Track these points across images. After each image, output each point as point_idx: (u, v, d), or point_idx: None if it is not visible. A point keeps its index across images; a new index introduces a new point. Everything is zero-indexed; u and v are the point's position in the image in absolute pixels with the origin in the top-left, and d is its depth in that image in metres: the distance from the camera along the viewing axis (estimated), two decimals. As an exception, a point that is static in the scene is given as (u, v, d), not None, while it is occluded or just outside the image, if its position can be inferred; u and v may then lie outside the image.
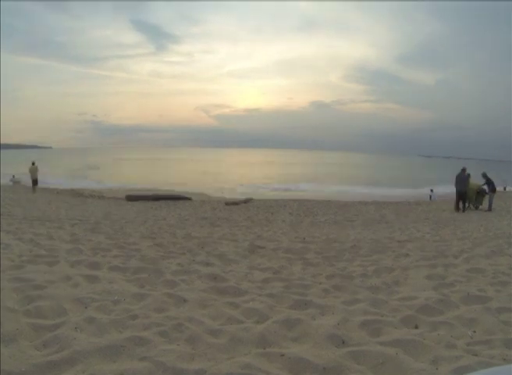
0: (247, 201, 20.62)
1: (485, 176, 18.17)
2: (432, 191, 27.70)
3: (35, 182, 23.94)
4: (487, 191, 18.22)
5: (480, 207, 18.52)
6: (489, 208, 17.67)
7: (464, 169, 17.82)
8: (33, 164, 24.02)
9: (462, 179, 17.51)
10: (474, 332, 3.41)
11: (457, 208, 17.83)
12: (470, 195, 18.67)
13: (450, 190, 21.01)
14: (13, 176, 30.99)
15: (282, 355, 2.89)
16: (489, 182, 17.98)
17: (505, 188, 31.94)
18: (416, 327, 3.58)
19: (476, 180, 18.80)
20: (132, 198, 20.98)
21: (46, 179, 30.42)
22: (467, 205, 18.66)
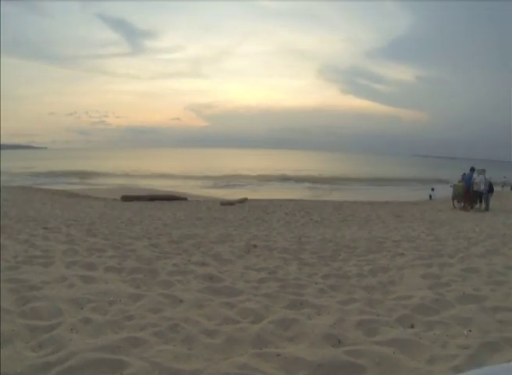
0: (242, 201, 20.59)
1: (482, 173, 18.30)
2: (432, 189, 27.52)
3: None
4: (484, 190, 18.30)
5: (476, 206, 18.60)
6: (486, 208, 17.74)
7: (472, 169, 18.19)
8: None
9: (468, 178, 17.94)
10: (470, 331, 3.43)
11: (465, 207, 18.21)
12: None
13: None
14: None
15: (279, 355, 2.89)
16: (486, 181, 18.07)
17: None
18: (412, 327, 3.59)
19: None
20: (127, 198, 20.92)
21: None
22: (462, 204, 18.75)
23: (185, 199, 21.94)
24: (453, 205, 19.35)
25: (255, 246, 7.55)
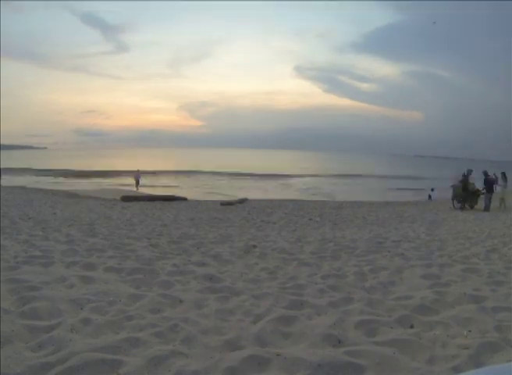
0: (242, 201, 20.60)
1: (485, 174, 18.40)
2: (432, 190, 27.53)
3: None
4: (482, 190, 18.36)
5: (476, 207, 18.62)
6: (486, 208, 17.75)
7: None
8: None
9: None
10: (470, 331, 3.42)
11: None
12: (466, 195, 18.81)
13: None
14: None
15: (279, 355, 2.89)
16: (486, 181, 18.14)
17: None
18: (412, 327, 3.59)
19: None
20: (127, 198, 20.92)
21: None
22: (461, 204, 18.80)
23: (185, 199, 21.93)
24: (453, 205, 19.37)
25: (255, 246, 7.55)
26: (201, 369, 2.69)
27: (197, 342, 3.13)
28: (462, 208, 18.33)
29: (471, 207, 18.65)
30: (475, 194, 18.66)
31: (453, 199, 19.57)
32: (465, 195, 18.56)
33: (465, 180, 18.65)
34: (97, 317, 3.54)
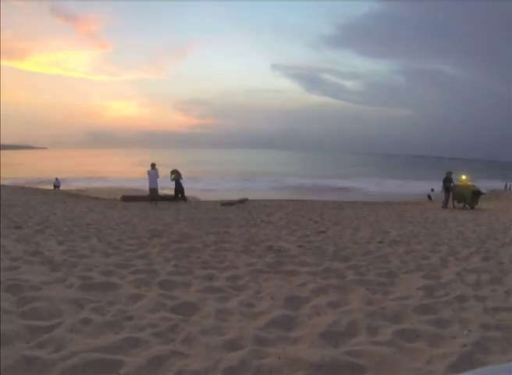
0: (242, 201, 20.59)
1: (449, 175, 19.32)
2: (432, 190, 27.63)
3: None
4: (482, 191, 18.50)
5: (476, 207, 18.64)
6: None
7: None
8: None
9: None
10: (470, 331, 3.43)
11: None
12: (466, 195, 18.82)
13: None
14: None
15: (279, 355, 2.89)
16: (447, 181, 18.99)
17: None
18: (411, 326, 3.59)
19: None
20: (128, 198, 20.92)
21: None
22: (461, 204, 18.85)
23: (185, 199, 21.93)
24: (453, 205, 19.38)
25: (255, 246, 7.55)
26: (201, 369, 2.69)
27: (197, 342, 3.13)
28: (462, 208, 18.37)
29: (471, 207, 18.66)
30: (476, 194, 18.68)
31: (453, 199, 19.59)
32: (472, 197, 18.68)
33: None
34: (98, 317, 3.55)
